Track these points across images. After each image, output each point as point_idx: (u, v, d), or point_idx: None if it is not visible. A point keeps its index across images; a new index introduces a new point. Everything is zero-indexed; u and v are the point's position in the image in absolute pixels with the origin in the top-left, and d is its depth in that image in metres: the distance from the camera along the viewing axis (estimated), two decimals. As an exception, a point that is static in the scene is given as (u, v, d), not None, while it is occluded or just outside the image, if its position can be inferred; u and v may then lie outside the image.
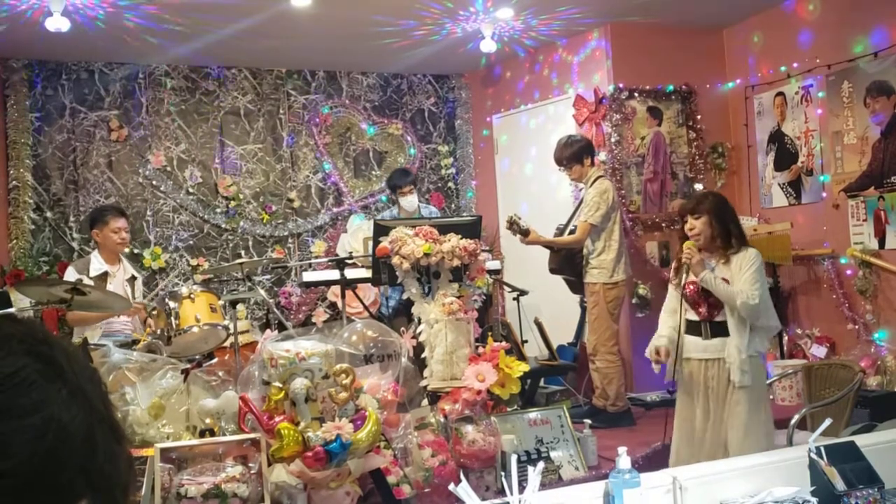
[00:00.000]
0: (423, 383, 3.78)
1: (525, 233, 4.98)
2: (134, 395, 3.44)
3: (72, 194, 6.15)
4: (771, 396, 4.16)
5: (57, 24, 4.78)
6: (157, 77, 6.43)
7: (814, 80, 5.69)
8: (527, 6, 5.55)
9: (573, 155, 5.12)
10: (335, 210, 6.95)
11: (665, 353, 3.55)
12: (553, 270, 5.35)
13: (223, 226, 6.57)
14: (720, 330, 3.48)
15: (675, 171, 6.31)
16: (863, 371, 3.98)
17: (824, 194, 5.67)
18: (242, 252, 6.57)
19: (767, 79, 6.11)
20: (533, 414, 4.09)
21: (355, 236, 6.31)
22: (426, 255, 3.75)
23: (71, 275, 4.69)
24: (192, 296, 4.58)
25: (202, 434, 3.33)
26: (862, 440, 2.09)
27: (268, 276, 6.66)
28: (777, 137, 6.07)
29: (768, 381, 4.26)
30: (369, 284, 5.80)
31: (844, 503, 1.88)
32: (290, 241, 6.80)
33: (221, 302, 4.76)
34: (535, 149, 6.78)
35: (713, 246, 3.53)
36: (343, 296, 5.18)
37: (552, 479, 3.71)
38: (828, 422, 2.19)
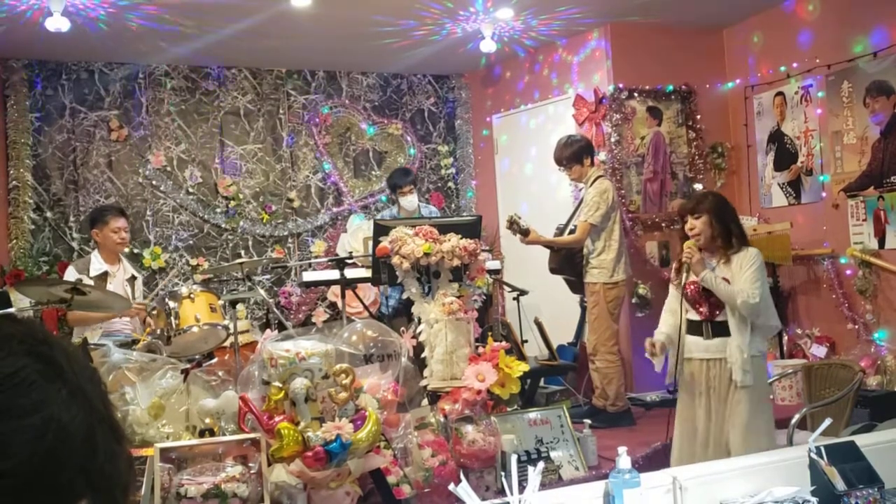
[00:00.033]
0: (423, 383, 3.78)
1: (525, 232, 4.98)
2: (134, 394, 3.44)
3: (72, 194, 6.15)
4: (771, 396, 4.15)
5: (57, 24, 4.78)
6: (157, 77, 6.43)
7: (813, 79, 5.69)
8: (527, 6, 5.55)
9: (573, 155, 5.12)
10: (335, 210, 6.95)
11: (660, 348, 3.55)
12: (553, 270, 5.35)
13: (223, 226, 6.57)
14: (721, 330, 3.48)
15: (675, 171, 6.31)
16: (863, 371, 3.98)
17: (824, 194, 5.67)
18: (242, 252, 6.57)
19: (767, 79, 6.11)
20: (533, 414, 4.09)
21: (355, 236, 6.31)
22: (426, 254, 3.74)
23: (71, 275, 4.69)
24: (191, 296, 4.59)
25: (202, 434, 3.33)
26: (862, 440, 2.09)
27: (268, 276, 6.66)
28: (777, 137, 6.07)
29: (769, 381, 4.26)
30: (369, 284, 5.80)
31: (844, 503, 1.88)
32: (289, 240, 6.79)
33: (221, 302, 4.76)
34: (535, 149, 6.78)
35: (713, 245, 3.53)
36: (343, 296, 5.18)
37: (552, 479, 3.71)
38: (828, 422, 2.19)
